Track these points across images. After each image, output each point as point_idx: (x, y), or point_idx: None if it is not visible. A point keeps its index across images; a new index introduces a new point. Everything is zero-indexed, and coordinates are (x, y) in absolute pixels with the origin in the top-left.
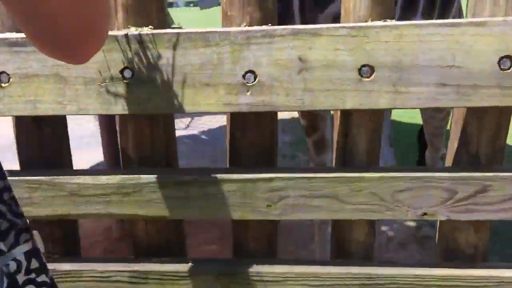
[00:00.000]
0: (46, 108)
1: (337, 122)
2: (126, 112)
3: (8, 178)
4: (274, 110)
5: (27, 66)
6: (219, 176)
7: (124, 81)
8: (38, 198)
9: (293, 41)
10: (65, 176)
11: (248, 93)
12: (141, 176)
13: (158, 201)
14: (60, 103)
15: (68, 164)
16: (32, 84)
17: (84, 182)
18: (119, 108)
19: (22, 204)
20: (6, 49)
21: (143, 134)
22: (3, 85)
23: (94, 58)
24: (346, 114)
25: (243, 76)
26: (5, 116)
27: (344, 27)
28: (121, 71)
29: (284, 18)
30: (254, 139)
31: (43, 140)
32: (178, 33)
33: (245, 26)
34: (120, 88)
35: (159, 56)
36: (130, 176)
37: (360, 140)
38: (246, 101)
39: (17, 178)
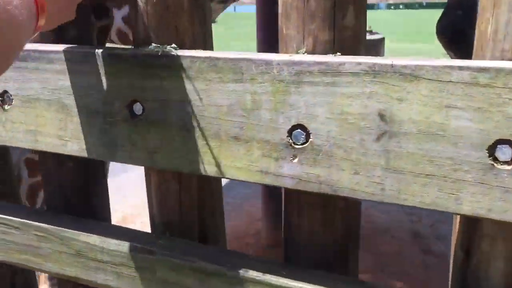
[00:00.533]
0: (47, 143)
1: (455, 221)
2: (133, 163)
3: (18, 219)
4: (334, 193)
5: (28, 87)
6: (254, 274)
7: (132, 118)
8: (46, 250)
9: (372, 85)
10: (72, 231)
11: (295, 160)
12: (155, 249)
13: None
14: (61, 139)
15: (100, 212)
16: (33, 110)
17: (92, 242)
18: (125, 155)
19: (31, 253)
20: None
21: (168, 191)
22: (6, 107)
23: (99, 80)
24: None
25: (289, 133)
26: (7, 145)
27: (466, 67)
28: (130, 105)
29: (464, 28)
30: (316, 228)
31: (64, 178)
32: (199, 58)
33: (304, 52)
34: (127, 128)
35: (177, 89)
36: (142, 246)
37: (493, 264)
38: (291, 172)
39: (27, 221)
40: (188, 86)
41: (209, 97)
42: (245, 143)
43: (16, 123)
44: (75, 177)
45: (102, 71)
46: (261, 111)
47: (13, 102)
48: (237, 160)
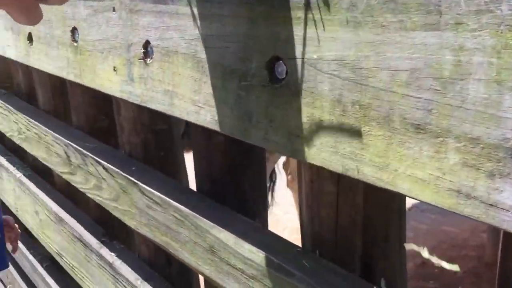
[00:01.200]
0: (181, 108)
1: None
2: (268, 148)
3: (160, 195)
4: None
5: (168, 37)
6: None
7: (272, 83)
8: (183, 237)
9: None
10: (205, 220)
11: None
12: (294, 272)
13: None
14: (194, 104)
15: (252, 203)
16: (171, 66)
17: (224, 240)
18: (260, 135)
19: (171, 236)
20: (149, 7)
21: (321, 194)
22: (148, 61)
23: (237, 28)
24: None
25: None
26: (146, 106)
27: None
28: (270, 64)
29: None
30: None
31: (212, 155)
32: None
33: None
34: (265, 96)
35: (333, 41)
36: (279, 263)
37: None
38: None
39: (168, 199)
40: (349, 36)
41: (379, 55)
42: (433, 138)
43: (155, 81)
44: (225, 155)
45: (240, 14)
46: (470, 83)
47: (154, 56)
48: (416, 166)
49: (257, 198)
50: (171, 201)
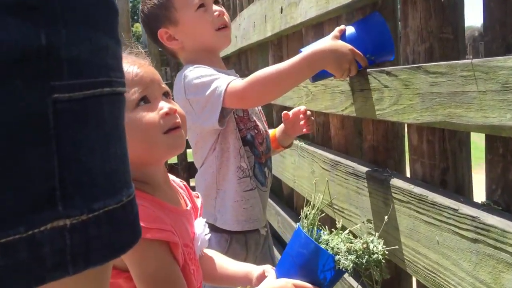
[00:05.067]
0: None
1: None
2: None
3: (445, 62)
4: None
5: None
6: None
7: None
8: (469, 95)
9: None
10: (499, 57)
11: None
12: None
13: None
14: None
15: None
16: None
17: None
18: None
19: (455, 103)
20: None
21: None
22: None
23: None
24: None
25: None
26: None
27: None
28: None
29: None
30: None
31: None
32: None
33: None
34: None
35: None
36: None
37: None
38: None
39: (453, 62)
40: None
41: None
42: None
43: None
44: None
45: None
46: None
47: None
48: None
49: None
50: (458, 61)
